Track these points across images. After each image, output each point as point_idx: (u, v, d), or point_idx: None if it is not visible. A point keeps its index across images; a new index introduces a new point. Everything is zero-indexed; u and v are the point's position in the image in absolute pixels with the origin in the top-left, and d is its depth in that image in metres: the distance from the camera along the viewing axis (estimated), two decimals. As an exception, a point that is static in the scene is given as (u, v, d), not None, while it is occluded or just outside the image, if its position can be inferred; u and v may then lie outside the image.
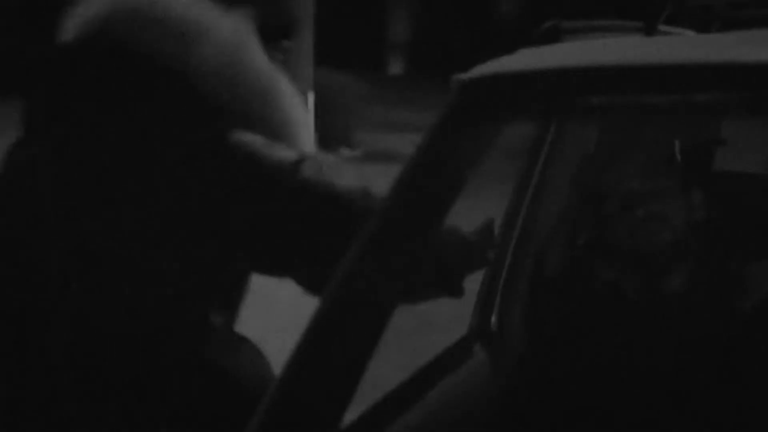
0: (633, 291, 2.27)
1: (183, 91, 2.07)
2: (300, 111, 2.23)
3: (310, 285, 2.11)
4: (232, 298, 2.28)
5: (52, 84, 2.21)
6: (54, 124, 2.14)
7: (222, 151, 2.04)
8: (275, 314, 6.32)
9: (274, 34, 2.29)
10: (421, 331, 6.30)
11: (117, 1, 2.15)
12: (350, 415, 1.56)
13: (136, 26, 2.11)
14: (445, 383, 2.30)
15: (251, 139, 2.06)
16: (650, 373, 2.18)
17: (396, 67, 23.44)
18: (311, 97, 8.67)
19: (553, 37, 2.49)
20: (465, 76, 1.58)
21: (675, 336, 2.21)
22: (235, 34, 2.14)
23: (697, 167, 2.33)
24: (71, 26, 2.18)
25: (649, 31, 2.70)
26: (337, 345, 1.45)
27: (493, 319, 2.69)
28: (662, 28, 2.74)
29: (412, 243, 1.49)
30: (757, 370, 2.14)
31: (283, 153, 2.07)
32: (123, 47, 2.10)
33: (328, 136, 12.90)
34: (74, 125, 2.12)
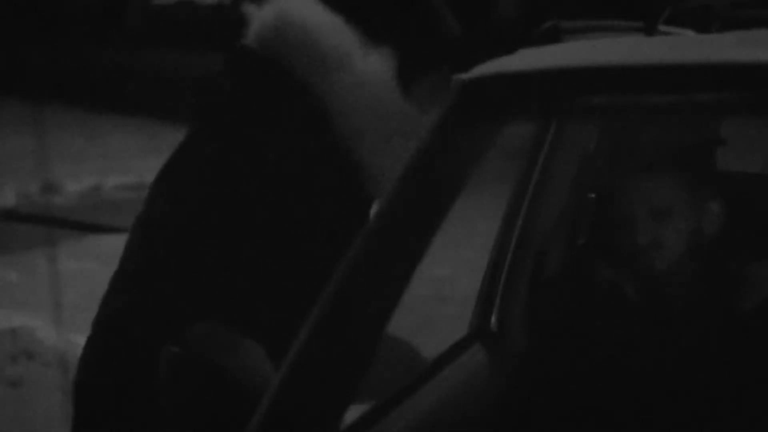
0: (633, 291, 2.27)
1: (317, 111, 2.22)
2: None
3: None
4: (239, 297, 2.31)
5: (235, 82, 2.33)
6: (234, 119, 2.28)
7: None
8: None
9: (423, 65, 2.36)
10: (421, 331, 6.30)
11: (283, 14, 2.28)
12: (350, 415, 1.56)
13: (289, 43, 2.25)
14: (445, 383, 2.29)
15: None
16: (650, 373, 2.18)
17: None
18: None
19: (553, 37, 2.49)
20: (465, 76, 1.58)
21: (675, 336, 2.21)
22: (376, 69, 2.24)
23: (701, 169, 2.32)
24: (252, 31, 2.32)
25: (649, 31, 2.70)
26: (337, 345, 1.45)
27: (493, 319, 2.69)
28: (662, 28, 2.74)
29: (413, 243, 1.49)
30: (758, 370, 2.14)
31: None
32: (279, 59, 2.26)
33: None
34: (242, 124, 2.28)
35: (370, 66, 2.24)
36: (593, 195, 2.98)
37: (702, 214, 2.24)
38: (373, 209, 1.91)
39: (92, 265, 6.41)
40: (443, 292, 7.04)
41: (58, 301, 5.24)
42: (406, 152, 2.09)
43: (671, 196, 2.22)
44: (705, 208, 2.24)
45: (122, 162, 11.01)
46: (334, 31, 2.25)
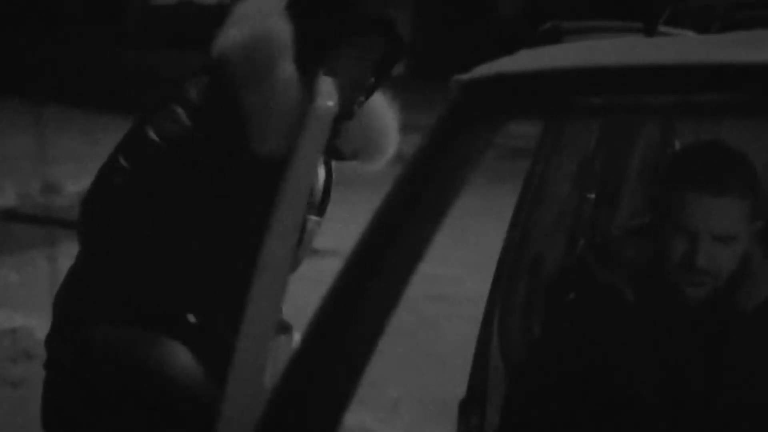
0: (632, 293, 2.27)
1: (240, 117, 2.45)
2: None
3: None
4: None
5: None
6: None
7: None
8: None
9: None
10: (421, 331, 6.30)
11: (254, 36, 2.46)
12: (350, 415, 1.57)
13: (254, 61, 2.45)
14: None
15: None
16: (650, 375, 2.18)
17: (396, 68, 23.40)
18: (311, 98, 8.66)
19: (553, 37, 2.49)
20: (465, 76, 1.58)
21: (676, 337, 2.21)
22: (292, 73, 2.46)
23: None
24: (217, 44, 2.51)
25: (650, 31, 2.70)
26: (337, 345, 1.45)
27: (495, 321, 2.69)
28: (662, 28, 2.74)
29: (413, 243, 1.49)
30: (759, 371, 2.14)
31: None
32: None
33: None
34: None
35: (288, 69, 2.44)
36: (593, 195, 2.98)
37: (752, 237, 2.25)
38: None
39: (92, 265, 6.41)
40: (443, 291, 7.04)
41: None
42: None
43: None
44: (753, 230, 2.25)
45: (122, 162, 10.98)
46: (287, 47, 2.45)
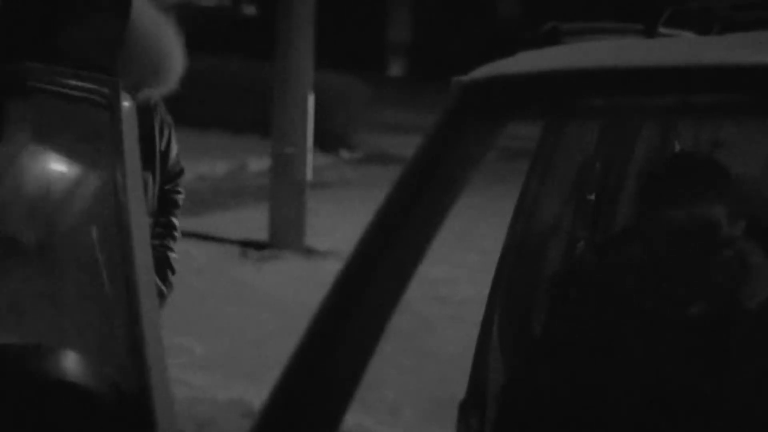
0: (632, 293, 2.27)
1: None
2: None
3: None
4: None
5: None
6: None
7: None
8: (276, 317, 6.33)
9: None
10: (420, 332, 6.30)
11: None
12: (350, 417, 1.57)
13: None
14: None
15: None
16: (650, 376, 2.18)
17: (396, 69, 23.44)
18: (311, 99, 8.68)
19: (553, 39, 2.50)
20: (465, 78, 1.58)
21: (676, 337, 2.21)
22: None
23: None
24: None
25: (650, 33, 2.70)
26: (336, 346, 1.45)
27: (494, 322, 2.69)
28: (663, 30, 2.74)
29: (413, 244, 1.49)
30: (761, 371, 2.14)
31: None
32: None
33: (328, 137, 12.92)
34: None
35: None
36: (592, 196, 2.98)
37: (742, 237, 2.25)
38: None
39: (92, 267, 6.40)
40: (443, 293, 7.05)
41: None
42: None
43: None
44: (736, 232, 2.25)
45: (122, 163, 10.98)
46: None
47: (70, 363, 1.78)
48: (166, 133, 3.06)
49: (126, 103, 1.85)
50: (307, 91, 8.56)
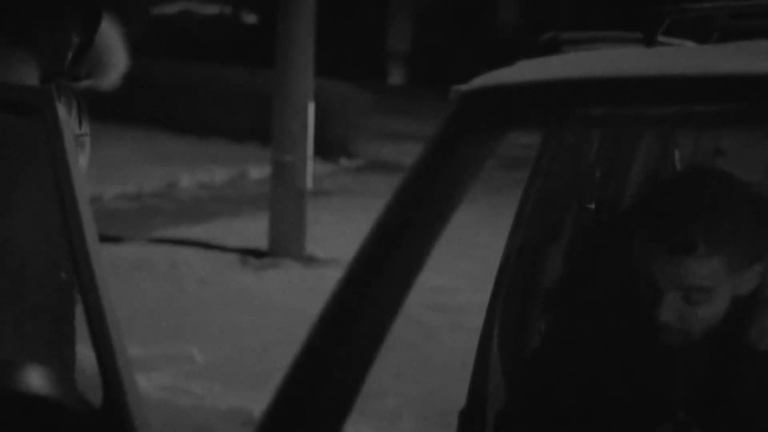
0: (631, 302, 2.27)
1: None
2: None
3: None
4: None
5: None
6: None
7: None
8: (276, 325, 6.33)
9: None
10: (420, 341, 6.31)
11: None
12: (350, 426, 1.57)
13: None
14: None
15: None
16: (651, 382, 2.18)
17: (396, 78, 23.48)
18: (311, 107, 8.69)
19: (553, 48, 2.50)
20: (465, 87, 1.59)
21: (675, 341, 2.20)
22: None
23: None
24: None
25: (649, 42, 2.71)
26: (336, 354, 1.45)
27: (494, 331, 2.70)
28: (662, 39, 2.75)
29: (412, 253, 1.50)
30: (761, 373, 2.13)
31: None
32: None
33: (329, 145, 12.93)
34: None
35: None
36: (592, 206, 2.98)
37: (741, 281, 2.01)
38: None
39: (92, 274, 6.41)
40: (443, 301, 7.05)
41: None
42: None
43: (709, 279, 1.97)
44: (747, 274, 2.01)
45: (122, 172, 11.01)
46: None
47: (37, 377, 1.78)
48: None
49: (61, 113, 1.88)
50: (308, 99, 8.57)
